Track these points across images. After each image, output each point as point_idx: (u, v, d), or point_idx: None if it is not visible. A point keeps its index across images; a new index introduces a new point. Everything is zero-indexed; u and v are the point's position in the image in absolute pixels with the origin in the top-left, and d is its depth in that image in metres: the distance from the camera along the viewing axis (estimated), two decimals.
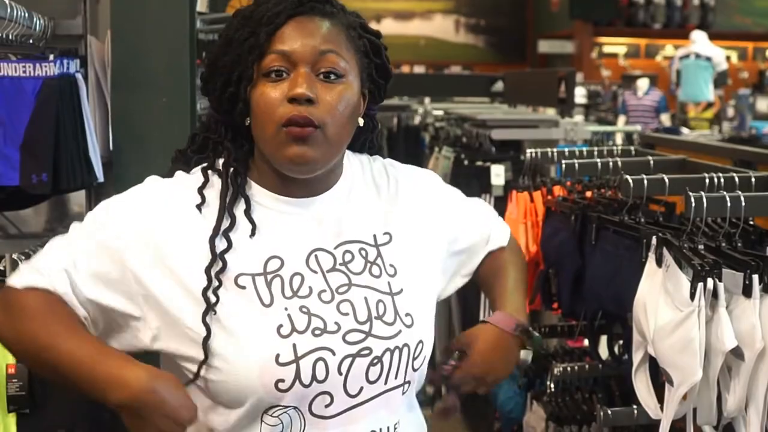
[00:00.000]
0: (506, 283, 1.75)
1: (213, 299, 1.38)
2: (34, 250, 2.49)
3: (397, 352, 1.44)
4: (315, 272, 1.45)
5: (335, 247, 1.48)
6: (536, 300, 2.86)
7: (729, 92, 12.95)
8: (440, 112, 6.06)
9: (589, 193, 2.66)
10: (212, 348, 1.38)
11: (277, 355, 1.36)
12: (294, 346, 1.37)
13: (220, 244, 1.41)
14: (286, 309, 1.40)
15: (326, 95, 1.40)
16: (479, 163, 4.37)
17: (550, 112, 5.63)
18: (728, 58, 13.74)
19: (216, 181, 1.47)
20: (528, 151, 3.03)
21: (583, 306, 2.52)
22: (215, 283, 1.39)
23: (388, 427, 1.47)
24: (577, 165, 2.60)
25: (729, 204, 1.89)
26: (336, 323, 1.42)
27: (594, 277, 2.42)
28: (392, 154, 6.34)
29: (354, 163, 1.59)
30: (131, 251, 1.40)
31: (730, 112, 11.75)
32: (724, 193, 1.92)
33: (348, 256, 1.48)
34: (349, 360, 1.40)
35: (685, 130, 10.11)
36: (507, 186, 4.07)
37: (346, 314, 1.43)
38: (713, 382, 1.76)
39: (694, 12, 15.86)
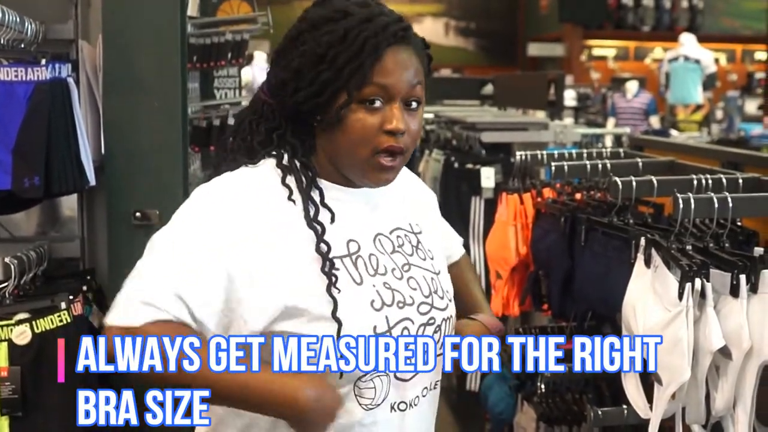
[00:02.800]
0: (478, 294, 1.94)
1: (331, 273, 1.53)
2: (26, 254, 2.50)
3: (448, 321, 1.68)
4: (383, 254, 1.63)
5: (390, 232, 1.67)
6: (526, 301, 2.88)
7: (718, 94, 13.00)
8: (430, 115, 6.07)
9: (578, 195, 2.68)
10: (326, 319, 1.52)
11: (375, 327, 1.54)
12: (386, 318, 1.56)
13: (318, 229, 1.55)
14: (374, 286, 1.58)
15: (412, 124, 1.57)
16: (469, 165, 4.38)
17: (540, 115, 5.65)
18: (717, 61, 13.78)
19: (287, 172, 1.58)
20: (518, 153, 3.05)
21: (572, 307, 2.54)
22: (328, 258, 1.53)
23: (432, 383, 1.68)
24: (566, 167, 2.62)
25: (716, 205, 1.91)
26: (411, 297, 1.61)
27: (583, 278, 2.43)
28: None
29: None
30: (239, 259, 1.49)
31: (719, 114, 11.80)
32: (712, 194, 1.94)
33: (400, 240, 1.68)
34: (422, 328, 1.61)
35: (674, 132, 10.15)
36: (497, 188, 4.08)
37: (415, 289, 1.63)
38: (701, 381, 1.78)
39: (683, 15, 15.92)
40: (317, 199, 1.59)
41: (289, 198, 1.56)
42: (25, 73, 2.50)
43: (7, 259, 2.44)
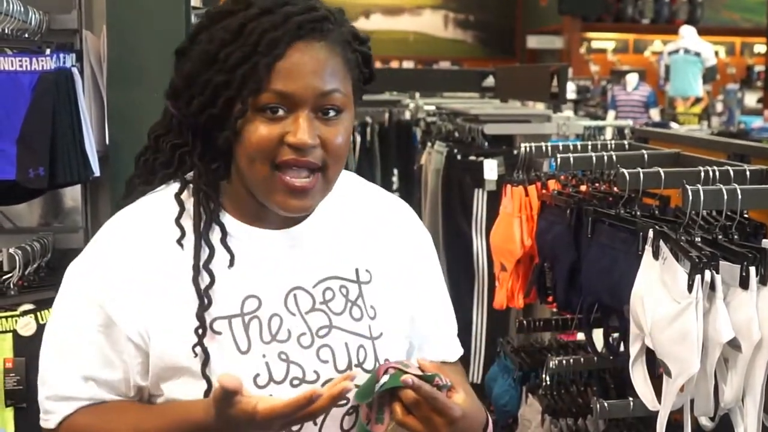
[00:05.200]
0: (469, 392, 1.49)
1: (205, 350, 1.32)
2: (30, 245, 2.49)
3: None
4: (293, 314, 1.36)
5: (314, 285, 1.39)
6: (531, 293, 2.88)
7: (717, 87, 13.00)
8: (432, 107, 6.06)
9: (583, 187, 2.67)
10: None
11: None
12: (271, 397, 1.29)
13: (202, 281, 1.33)
14: (264, 356, 1.33)
15: (327, 134, 1.30)
16: (472, 157, 4.37)
17: (540, 107, 5.64)
18: (716, 53, 13.78)
19: (188, 204, 1.37)
20: (522, 145, 3.04)
21: (578, 299, 2.53)
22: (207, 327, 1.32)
23: None
24: (572, 159, 2.61)
25: (725, 197, 1.90)
26: (315, 372, 1.35)
27: (590, 270, 2.43)
28: (384, 148, 6.36)
29: (339, 185, 1.42)
30: (125, 324, 1.33)
31: (719, 107, 11.81)
32: (721, 185, 1.93)
33: (329, 294, 1.39)
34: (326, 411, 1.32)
35: (673, 125, 10.15)
36: (499, 180, 4.08)
37: (326, 362, 1.36)
38: (710, 373, 1.77)
39: (683, 7, 15.91)
40: (217, 237, 1.35)
41: (179, 241, 1.34)
42: (29, 63, 2.50)
43: (11, 250, 2.44)
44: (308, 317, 1.37)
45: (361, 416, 1.33)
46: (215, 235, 1.35)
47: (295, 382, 1.33)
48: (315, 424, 1.34)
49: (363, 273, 1.43)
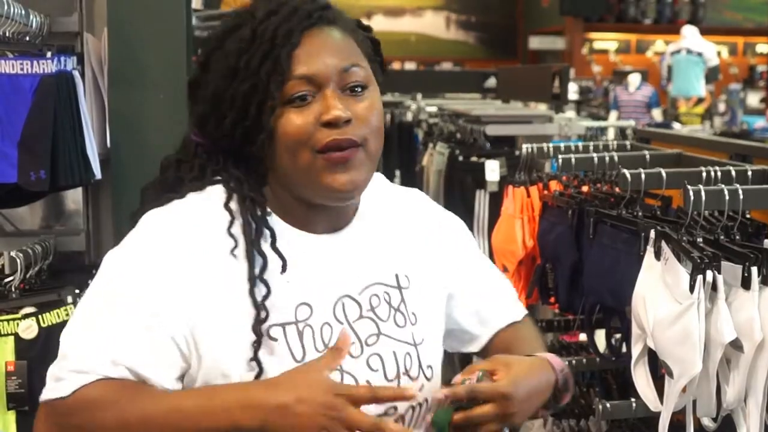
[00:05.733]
0: (538, 339, 1.60)
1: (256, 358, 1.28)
2: (32, 248, 2.49)
3: (418, 407, 1.38)
4: (341, 323, 1.34)
5: (361, 292, 1.38)
6: (533, 294, 2.87)
7: (720, 87, 13.00)
8: (434, 109, 6.06)
9: (585, 188, 2.67)
10: None
11: None
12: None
13: (258, 292, 1.30)
14: None
15: (359, 109, 1.30)
16: (474, 158, 4.37)
17: (542, 108, 5.64)
18: (718, 54, 13.78)
19: (236, 213, 1.33)
20: (524, 146, 3.04)
21: (580, 300, 2.53)
22: (259, 334, 1.28)
23: None
24: (573, 160, 2.61)
25: (727, 197, 1.90)
26: (367, 381, 1.33)
27: (592, 271, 2.42)
28: (385, 150, 6.35)
29: (370, 188, 1.43)
30: (169, 321, 1.27)
31: (721, 107, 11.81)
32: (723, 186, 1.93)
33: (375, 301, 1.38)
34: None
35: (676, 125, 10.15)
36: (501, 181, 4.08)
37: (376, 371, 1.35)
38: (713, 374, 1.77)
39: (685, 7, 15.90)
40: (266, 245, 1.31)
41: (232, 252, 1.30)
42: (30, 65, 2.49)
43: (12, 253, 2.43)
44: (356, 325, 1.36)
45: None
46: (266, 242, 1.32)
47: None
48: None
49: (402, 278, 1.43)
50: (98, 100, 2.75)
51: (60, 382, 1.26)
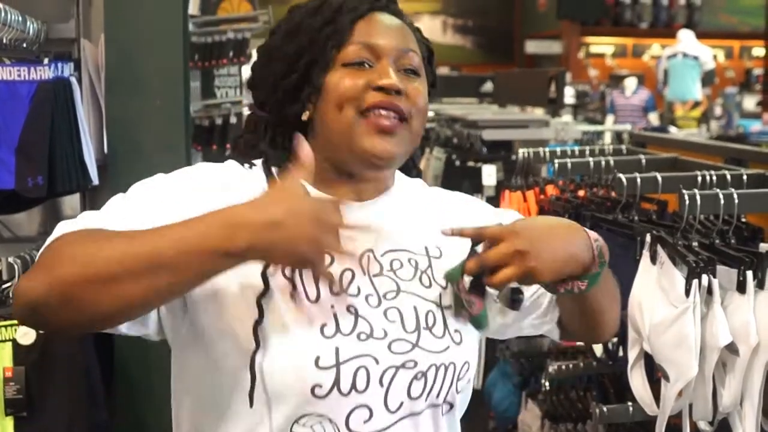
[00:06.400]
0: None
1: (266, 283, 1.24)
2: (30, 254, 2.50)
3: (443, 368, 1.31)
4: (364, 274, 1.31)
5: (383, 254, 1.34)
6: None
7: (716, 91, 13.02)
8: (430, 113, 6.06)
9: (581, 192, 2.68)
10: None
11: (317, 358, 1.22)
12: (337, 349, 1.24)
13: None
14: (332, 307, 1.26)
15: (410, 88, 1.32)
16: (471, 163, 4.38)
17: (538, 112, 5.65)
18: (715, 57, 13.80)
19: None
20: (520, 150, 3.05)
21: None
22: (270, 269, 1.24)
23: None
24: (569, 164, 2.62)
25: (722, 201, 1.91)
26: (383, 330, 1.28)
27: None
28: None
29: (409, 182, 1.46)
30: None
31: (718, 110, 11.82)
32: (717, 190, 1.94)
33: (396, 264, 1.35)
34: (392, 371, 1.27)
35: (672, 129, 10.15)
36: (498, 186, 4.08)
37: (393, 321, 1.30)
38: (709, 377, 1.78)
39: (681, 11, 15.90)
40: None
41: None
42: (27, 72, 2.51)
43: (10, 259, 2.44)
44: (375, 280, 1.32)
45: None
46: None
47: (363, 336, 1.26)
48: (381, 385, 1.25)
49: (433, 249, 1.39)
50: (95, 107, 2.76)
51: (59, 228, 1.22)
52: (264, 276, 1.24)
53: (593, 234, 1.34)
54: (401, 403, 1.28)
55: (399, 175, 1.46)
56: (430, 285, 1.35)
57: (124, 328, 1.24)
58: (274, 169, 1.35)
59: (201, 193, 1.27)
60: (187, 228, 1.11)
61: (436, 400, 1.31)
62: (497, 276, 1.24)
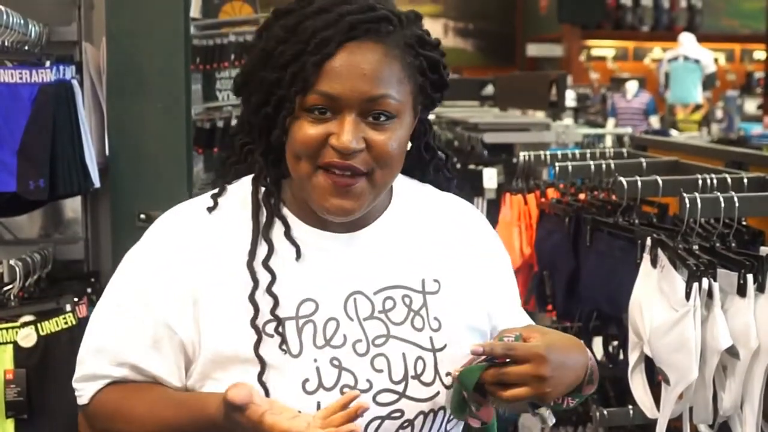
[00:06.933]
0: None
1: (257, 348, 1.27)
2: (31, 257, 2.50)
3: (431, 414, 1.30)
4: (351, 319, 1.30)
5: (375, 293, 1.32)
6: (531, 302, 2.88)
7: (717, 94, 13.01)
8: (432, 116, 6.06)
9: (582, 195, 2.68)
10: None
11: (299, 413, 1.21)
12: (318, 404, 1.24)
13: (263, 276, 1.28)
14: (315, 360, 1.26)
15: (375, 138, 1.25)
16: (471, 166, 4.37)
17: (539, 116, 5.65)
18: (716, 60, 13.79)
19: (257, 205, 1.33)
20: (521, 154, 3.05)
21: (578, 307, 2.53)
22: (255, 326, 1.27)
23: None
24: (570, 167, 2.62)
25: (723, 205, 1.91)
26: (368, 380, 1.28)
27: (589, 278, 2.43)
28: None
29: (411, 189, 1.42)
30: (172, 310, 1.30)
31: (719, 113, 11.81)
32: (718, 194, 1.94)
33: (389, 303, 1.33)
34: (377, 422, 1.27)
35: (673, 132, 10.15)
36: (499, 189, 4.08)
37: (380, 371, 1.29)
38: (709, 381, 1.78)
39: (682, 14, 15.90)
40: (278, 234, 1.31)
41: (242, 247, 1.30)
42: (29, 75, 2.50)
43: (11, 262, 2.44)
44: (366, 324, 1.30)
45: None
46: (277, 231, 1.31)
47: (346, 389, 1.26)
48: None
49: (430, 283, 1.36)
50: (97, 109, 2.76)
51: (81, 390, 1.36)
52: (257, 353, 1.27)
53: (589, 354, 1.34)
54: None
55: (401, 186, 1.42)
56: (423, 327, 1.33)
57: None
58: (261, 191, 1.33)
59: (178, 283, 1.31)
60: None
61: None
62: (511, 392, 1.22)
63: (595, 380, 1.35)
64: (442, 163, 1.47)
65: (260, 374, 1.26)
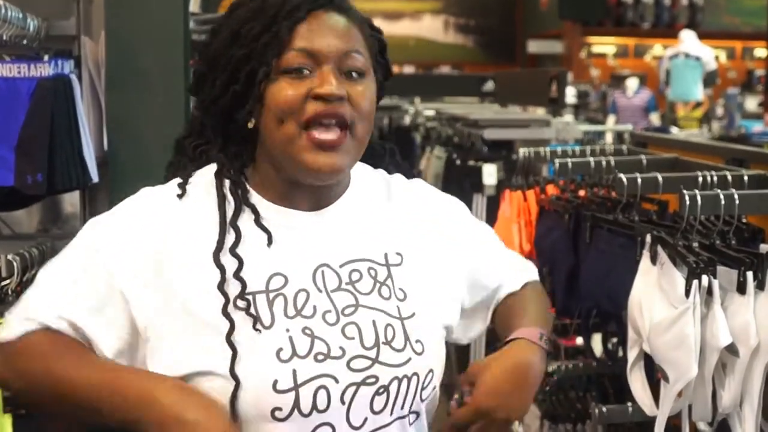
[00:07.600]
0: (527, 306, 1.59)
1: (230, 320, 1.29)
2: (29, 251, 2.49)
3: (405, 380, 1.34)
4: (320, 291, 1.34)
5: (341, 265, 1.38)
6: None
7: (718, 91, 13.00)
8: (431, 112, 6.06)
9: (582, 192, 2.67)
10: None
11: (275, 381, 1.26)
12: (294, 371, 1.27)
13: (230, 263, 1.31)
14: (287, 330, 1.30)
15: (353, 91, 1.32)
16: (471, 162, 4.38)
17: (540, 112, 5.64)
18: (717, 58, 13.78)
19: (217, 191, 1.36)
20: (521, 150, 3.04)
21: (577, 304, 2.53)
22: (232, 302, 1.30)
23: None
24: (570, 164, 2.61)
25: (723, 202, 1.90)
26: (341, 348, 1.31)
27: (588, 275, 2.43)
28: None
29: (367, 174, 1.51)
30: (127, 276, 1.31)
31: (719, 111, 11.81)
32: (718, 191, 1.93)
33: (355, 275, 1.38)
34: (353, 388, 1.30)
35: (674, 129, 10.14)
36: (499, 185, 4.08)
37: (352, 338, 1.33)
38: (708, 378, 1.77)
39: (683, 11, 15.89)
40: (247, 221, 1.34)
41: (207, 229, 1.33)
42: (27, 69, 2.49)
43: (9, 257, 2.43)
44: (334, 295, 1.35)
45: None
46: (246, 218, 1.35)
47: (320, 357, 1.29)
48: (343, 403, 1.30)
49: (393, 256, 1.42)
50: (95, 104, 2.75)
51: (10, 325, 1.34)
52: (226, 313, 1.29)
53: (535, 336, 1.46)
54: (365, 419, 1.32)
55: (359, 171, 1.48)
56: (390, 297, 1.39)
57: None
58: (227, 183, 1.37)
59: (140, 253, 1.32)
60: (117, 391, 1.25)
61: (401, 412, 1.36)
62: None
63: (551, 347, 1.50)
64: (392, 152, 1.62)
65: (233, 358, 1.27)
